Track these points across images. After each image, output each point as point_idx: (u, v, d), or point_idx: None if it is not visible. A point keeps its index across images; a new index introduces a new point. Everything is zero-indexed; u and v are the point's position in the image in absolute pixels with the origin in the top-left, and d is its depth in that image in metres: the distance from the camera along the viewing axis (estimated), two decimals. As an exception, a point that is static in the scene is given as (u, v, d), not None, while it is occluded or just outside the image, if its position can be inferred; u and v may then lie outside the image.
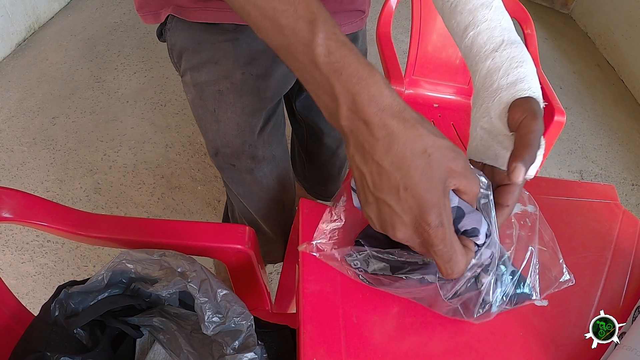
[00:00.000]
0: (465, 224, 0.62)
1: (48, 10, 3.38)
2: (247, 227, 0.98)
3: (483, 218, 0.63)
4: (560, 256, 0.75)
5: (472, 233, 0.62)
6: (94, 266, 1.90)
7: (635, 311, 0.78)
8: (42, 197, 1.83)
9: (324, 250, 0.78)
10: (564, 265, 0.74)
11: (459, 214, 0.61)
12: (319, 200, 1.53)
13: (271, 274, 1.90)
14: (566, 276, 0.74)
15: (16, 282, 1.88)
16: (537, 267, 0.73)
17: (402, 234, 0.57)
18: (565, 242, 0.89)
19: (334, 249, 0.78)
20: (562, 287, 0.73)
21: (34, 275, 1.90)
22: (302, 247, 0.79)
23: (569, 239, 0.91)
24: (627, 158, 2.82)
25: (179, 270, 0.79)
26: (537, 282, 0.73)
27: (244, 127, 1.04)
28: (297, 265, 0.84)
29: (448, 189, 0.56)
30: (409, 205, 0.54)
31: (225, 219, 1.58)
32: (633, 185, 2.65)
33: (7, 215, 0.90)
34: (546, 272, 0.75)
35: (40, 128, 2.51)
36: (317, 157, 1.38)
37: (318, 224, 0.81)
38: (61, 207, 0.97)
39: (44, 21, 3.34)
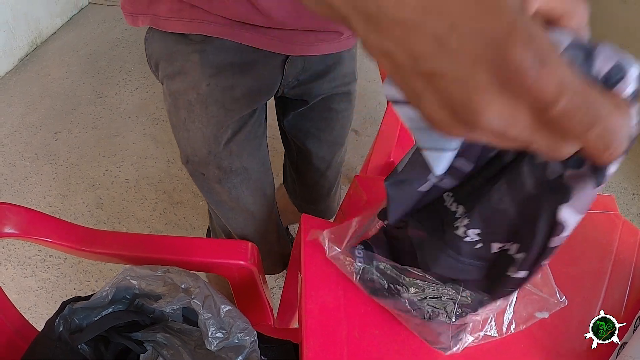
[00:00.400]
0: (601, 66, 0.36)
1: (50, 26, 3.41)
2: (250, 244, 0.98)
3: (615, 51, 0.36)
4: (552, 279, 0.75)
5: (616, 75, 0.36)
6: (96, 281, 1.91)
7: (636, 321, 0.78)
8: (45, 212, 1.83)
9: (332, 244, 0.79)
10: (556, 288, 0.75)
11: (582, 54, 0.35)
12: None
13: (273, 289, 1.90)
14: (558, 298, 0.74)
15: (18, 297, 1.88)
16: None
17: (494, 109, 0.31)
18: (565, 253, 0.90)
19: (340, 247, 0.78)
20: (554, 310, 0.73)
21: (36, 290, 1.90)
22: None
23: (568, 250, 0.91)
24: (627, 167, 2.83)
25: (182, 286, 0.80)
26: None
27: (209, 137, 1.05)
28: (299, 281, 0.84)
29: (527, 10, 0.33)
30: (469, 51, 0.30)
31: (208, 232, 1.58)
32: (634, 194, 2.65)
33: (11, 231, 0.91)
34: (537, 294, 0.75)
35: (43, 143, 2.52)
36: (306, 176, 1.38)
37: (320, 239, 0.81)
38: (65, 223, 0.98)
39: (46, 36, 3.37)
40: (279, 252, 1.35)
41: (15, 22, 3.03)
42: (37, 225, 0.95)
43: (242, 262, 0.96)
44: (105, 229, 2.01)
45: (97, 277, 1.92)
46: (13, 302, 0.94)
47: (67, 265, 1.97)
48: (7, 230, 0.90)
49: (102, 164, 2.41)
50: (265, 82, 1.07)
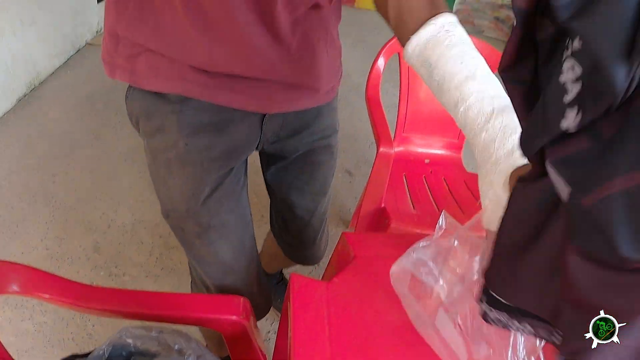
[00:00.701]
0: None
1: (48, 67, 3.46)
2: (242, 298, 1.01)
3: None
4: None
5: None
6: (93, 325, 1.92)
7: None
8: (42, 255, 1.85)
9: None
10: None
11: None
12: (296, 263, 1.56)
13: (269, 333, 1.92)
14: None
15: (15, 340, 1.89)
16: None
17: None
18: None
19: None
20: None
21: (34, 333, 1.91)
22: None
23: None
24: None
25: (176, 347, 0.83)
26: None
27: (187, 195, 1.07)
28: (288, 337, 0.87)
29: None
30: None
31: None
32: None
33: (13, 288, 0.94)
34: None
35: (40, 185, 2.55)
36: (291, 225, 1.40)
37: (309, 300, 0.84)
38: (63, 281, 1.01)
39: (44, 77, 3.42)
40: (261, 302, 1.35)
41: (13, 63, 3.08)
42: (37, 283, 0.98)
43: (234, 317, 0.98)
44: (102, 273, 2.05)
45: (94, 322, 1.93)
46: (9, 345, 0.96)
47: (64, 309, 1.98)
48: (10, 288, 0.93)
49: (98, 207, 2.44)
50: (243, 140, 1.09)
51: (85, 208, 2.43)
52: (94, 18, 4.03)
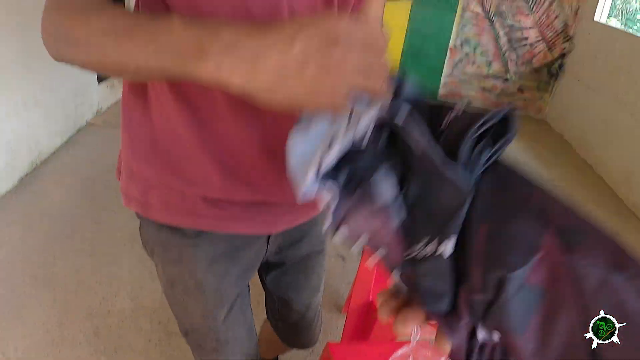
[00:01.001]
0: None
1: (50, 146, 3.55)
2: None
3: None
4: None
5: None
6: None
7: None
8: (44, 339, 1.88)
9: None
10: None
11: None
12: (292, 348, 1.59)
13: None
14: None
15: None
16: None
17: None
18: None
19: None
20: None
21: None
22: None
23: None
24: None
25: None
26: None
27: (207, 317, 1.13)
28: None
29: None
30: None
31: None
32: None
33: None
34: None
35: (42, 267, 2.58)
36: (287, 317, 1.44)
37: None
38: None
39: (45, 156, 3.50)
40: None
41: (16, 142, 3.16)
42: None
43: None
44: (102, 359, 2.07)
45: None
46: None
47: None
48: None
49: (98, 292, 2.47)
50: (253, 261, 1.16)
51: (86, 293, 2.47)
52: (95, 98, 4.17)
